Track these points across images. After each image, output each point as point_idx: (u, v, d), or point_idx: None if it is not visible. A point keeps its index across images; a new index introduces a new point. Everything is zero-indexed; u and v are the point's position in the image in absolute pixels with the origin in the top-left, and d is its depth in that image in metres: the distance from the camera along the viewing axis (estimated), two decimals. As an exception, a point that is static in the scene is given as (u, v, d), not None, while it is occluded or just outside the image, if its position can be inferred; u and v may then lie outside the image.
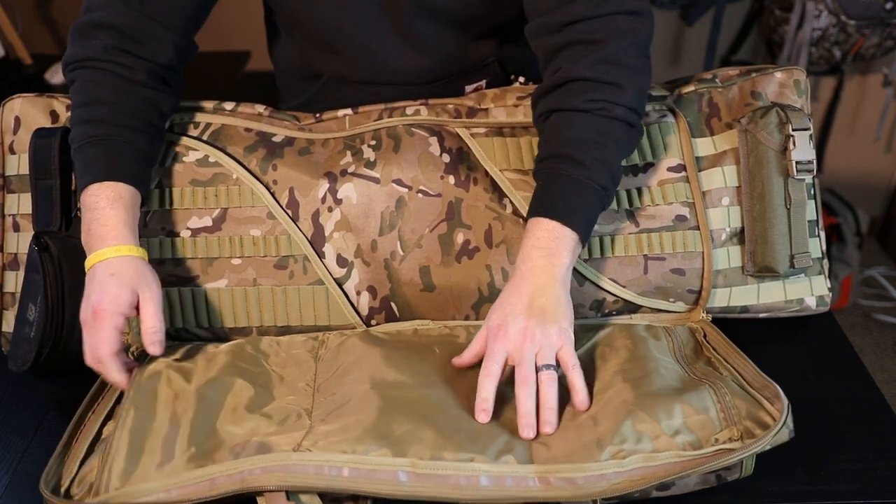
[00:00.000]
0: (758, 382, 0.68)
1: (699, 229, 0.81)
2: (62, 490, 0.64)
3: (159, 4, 0.80)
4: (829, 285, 0.85)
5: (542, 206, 0.74)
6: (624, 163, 0.82)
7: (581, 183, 0.74)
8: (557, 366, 0.70)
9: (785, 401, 0.64)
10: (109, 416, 0.72)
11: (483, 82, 0.97)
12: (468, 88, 0.96)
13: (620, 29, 0.75)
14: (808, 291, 0.84)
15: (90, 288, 0.72)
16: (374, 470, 0.61)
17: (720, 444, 0.62)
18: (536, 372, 0.68)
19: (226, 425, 0.68)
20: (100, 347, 0.71)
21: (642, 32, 0.77)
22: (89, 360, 0.72)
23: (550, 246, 0.72)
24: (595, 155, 0.74)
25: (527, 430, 0.66)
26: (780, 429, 0.62)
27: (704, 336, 0.79)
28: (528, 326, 0.69)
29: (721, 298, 0.82)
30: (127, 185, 0.76)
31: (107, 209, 0.74)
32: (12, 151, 0.84)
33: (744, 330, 0.83)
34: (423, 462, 0.61)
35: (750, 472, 0.64)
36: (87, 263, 0.74)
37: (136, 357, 0.79)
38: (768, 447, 0.62)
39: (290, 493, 0.60)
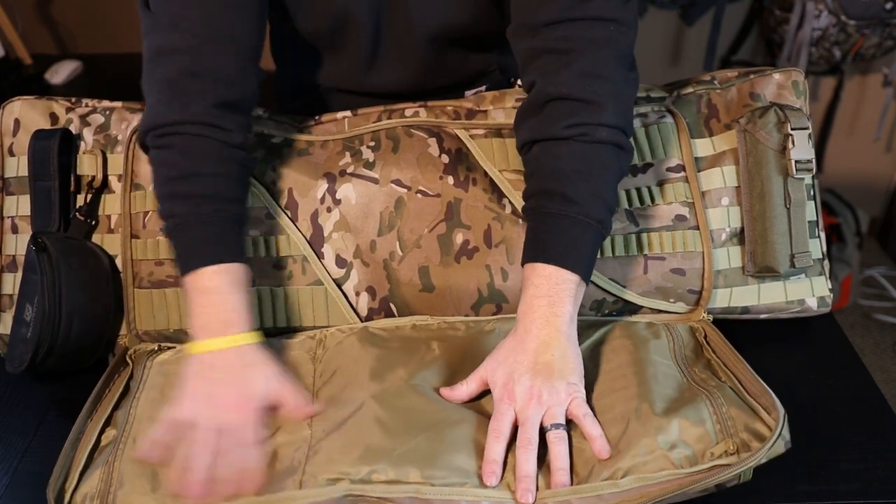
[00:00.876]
0: (755, 389, 0.68)
1: (699, 229, 0.81)
2: (65, 500, 0.64)
3: (239, 39, 0.75)
4: (830, 286, 0.85)
5: (536, 251, 0.71)
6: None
7: (573, 220, 0.70)
8: (568, 422, 0.67)
9: (781, 411, 0.64)
10: (108, 422, 0.72)
11: (483, 87, 0.97)
12: (468, 93, 0.96)
13: (597, 39, 0.71)
14: (809, 292, 0.84)
15: (226, 372, 0.68)
16: (380, 498, 0.62)
17: (715, 460, 0.62)
18: (545, 432, 0.66)
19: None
20: (250, 435, 0.66)
21: (623, 43, 0.73)
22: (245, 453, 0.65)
23: (552, 294, 0.69)
24: (583, 187, 0.70)
25: (526, 496, 0.62)
26: (775, 441, 0.62)
27: (705, 336, 0.79)
28: (535, 386, 0.67)
29: (722, 299, 0.82)
30: (240, 263, 0.73)
31: (233, 294, 0.71)
32: (11, 153, 0.85)
33: (744, 330, 0.83)
34: (427, 488, 0.62)
35: (749, 479, 0.64)
36: (211, 346, 0.69)
37: (132, 359, 0.79)
38: (764, 460, 0.62)
39: None
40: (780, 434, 0.62)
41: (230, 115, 0.74)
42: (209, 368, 0.69)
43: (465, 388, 0.71)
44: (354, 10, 0.84)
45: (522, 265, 0.72)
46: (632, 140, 0.78)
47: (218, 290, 0.71)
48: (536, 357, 0.68)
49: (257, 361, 0.70)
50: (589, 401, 0.70)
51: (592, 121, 0.71)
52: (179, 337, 0.81)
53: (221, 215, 0.73)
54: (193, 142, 0.73)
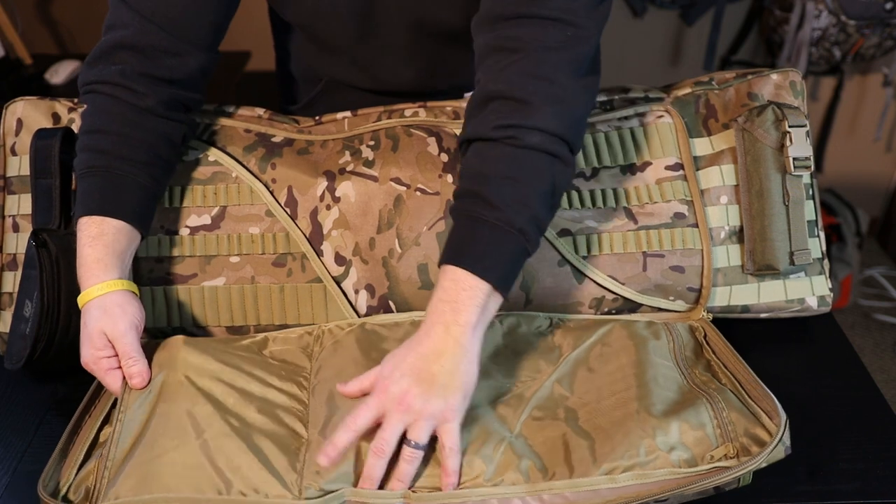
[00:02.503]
0: (756, 392, 0.68)
1: (698, 227, 0.81)
2: (60, 495, 0.64)
3: (184, 21, 0.77)
4: (830, 285, 0.84)
5: (450, 254, 0.67)
6: (621, 162, 0.82)
7: (492, 226, 0.66)
8: (434, 440, 0.65)
9: (783, 416, 0.63)
10: (107, 420, 0.72)
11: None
12: (467, 94, 0.96)
13: (548, 42, 0.68)
14: (810, 291, 0.84)
15: (83, 334, 0.73)
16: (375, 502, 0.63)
17: (715, 462, 0.62)
18: (403, 444, 0.64)
19: (222, 439, 0.68)
20: (111, 385, 0.72)
21: (578, 49, 0.69)
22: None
23: (457, 300, 0.65)
24: (508, 193, 0.66)
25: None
26: (775, 446, 0.62)
27: (705, 336, 0.79)
28: (410, 392, 0.63)
29: (721, 297, 0.82)
30: (116, 220, 0.74)
31: (85, 247, 0.73)
32: (14, 153, 0.85)
33: (744, 330, 0.83)
34: (418, 494, 0.63)
35: (748, 482, 0.64)
36: (80, 301, 0.74)
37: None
38: (764, 464, 0.62)
39: None
40: (780, 439, 0.62)
41: (147, 82, 0.77)
42: (82, 326, 0.73)
43: (357, 385, 0.69)
44: (335, 4, 0.84)
45: (439, 266, 0.69)
46: (578, 157, 0.74)
47: (79, 242, 0.74)
48: (424, 363, 0.65)
49: (86, 323, 0.72)
50: (590, 402, 0.70)
51: (525, 123, 0.67)
52: (179, 335, 0.81)
53: (110, 171, 0.75)
54: (103, 101, 0.77)
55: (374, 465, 0.63)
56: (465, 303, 0.65)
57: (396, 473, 0.63)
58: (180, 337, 0.76)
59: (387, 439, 0.63)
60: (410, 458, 0.63)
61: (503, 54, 0.70)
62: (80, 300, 0.73)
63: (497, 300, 0.68)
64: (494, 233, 0.67)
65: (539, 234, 0.69)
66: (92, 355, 0.72)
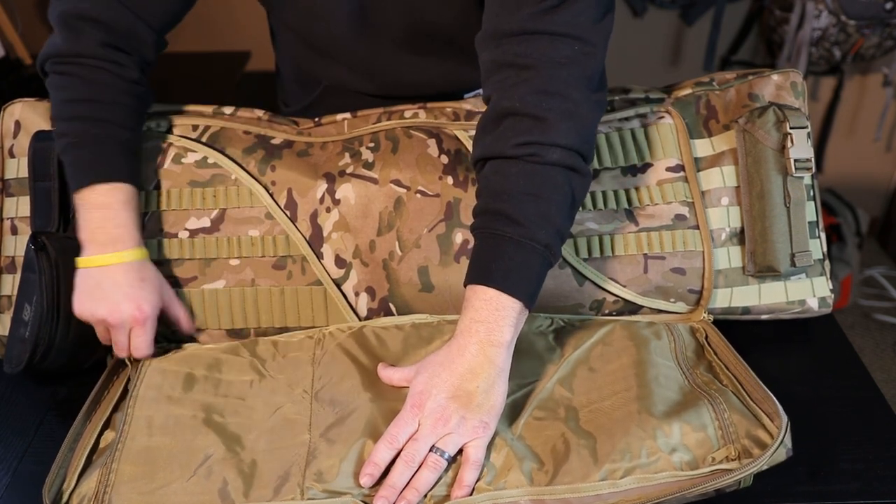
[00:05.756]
0: (757, 394, 0.68)
1: (699, 228, 0.81)
2: (62, 502, 0.64)
3: (144, 2, 0.79)
4: (831, 286, 0.84)
5: (478, 273, 0.68)
6: (622, 163, 0.82)
7: (518, 243, 0.67)
8: (459, 453, 0.66)
9: (784, 419, 0.63)
10: (107, 424, 0.72)
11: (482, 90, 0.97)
12: (467, 95, 0.96)
13: (558, 58, 0.68)
14: (810, 292, 0.83)
15: (114, 289, 0.75)
16: None
17: (717, 465, 0.62)
18: (428, 451, 0.65)
19: (225, 441, 0.68)
20: (143, 348, 0.76)
21: (587, 64, 0.69)
22: (123, 354, 0.78)
23: (490, 319, 0.66)
24: (531, 209, 0.67)
25: (380, 502, 0.62)
26: (776, 448, 0.62)
27: (706, 338, 0.79)
28: (448, 408, 0.65)
29: (722, 299, 0.82)
30: (132, 186, 0.77)
31: (122, 211, 0.76)
32: (12, 155, 0.84)
33: (744, 330, 0.83)
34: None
35: (749, 484, 0.64)
36: (98, 261, 0.75)
37: (131, 360, 0.79)
38: (765, 467, 0.62)
39: None
40: (781, 441, 0.62)
41: (122, 54, 0.79)
42: (97, 287, 0.75)
43: (400, 375, 0.71)
44: (329, 7, 0.84)
45: (465, 286, 0.69)
46: (591, 166, 0.75)
47: (109, 205, 0.75)
48: (461, 382, 0.66)
49: (145, 276, 0.76)
50: (591, 402, 0.70)
51: (544, 140, 0.68)
52: (178, 336, 0.81)
53: (114, 139, 0.77)
54: (92, 72, 0.78)
55: (402, 474, 0.64)
56: (499, 323, 0.66)
57: (414, 481, 0.64)
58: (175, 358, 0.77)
59: (419, 449, 0.64)
60: (434, 466, 0.64)
61: (512, 70, 0.70)
62: (120, 257, 0.75)
63: (525, 315, 0.69)
64: (522, 251, 0.67)
65: (561, 246, 0.70)
66: (132, 316, 0.75)
